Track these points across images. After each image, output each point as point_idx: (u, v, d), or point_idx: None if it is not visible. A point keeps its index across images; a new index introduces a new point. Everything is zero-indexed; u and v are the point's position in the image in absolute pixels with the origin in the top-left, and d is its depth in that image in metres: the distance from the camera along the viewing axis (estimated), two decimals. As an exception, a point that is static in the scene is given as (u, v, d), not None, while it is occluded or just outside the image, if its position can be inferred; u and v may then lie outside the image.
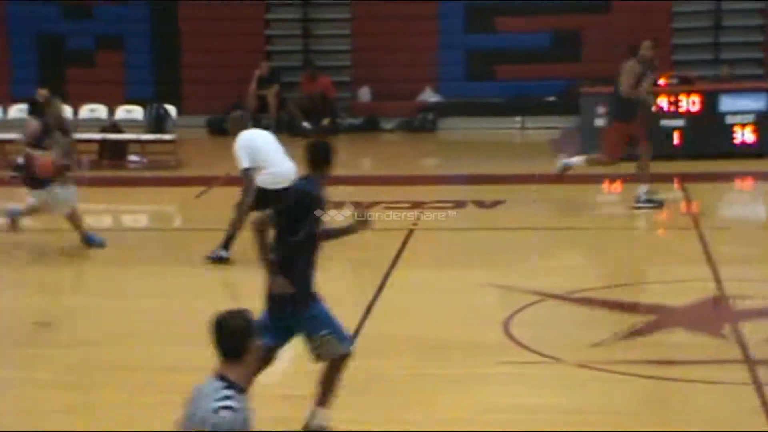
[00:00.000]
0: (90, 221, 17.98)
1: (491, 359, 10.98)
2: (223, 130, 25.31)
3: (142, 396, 10.25)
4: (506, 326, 11.80)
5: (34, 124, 15.48)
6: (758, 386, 9.97)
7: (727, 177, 20.58)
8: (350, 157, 23.57)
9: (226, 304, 12.96)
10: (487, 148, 24.47)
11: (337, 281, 14.30)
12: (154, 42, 26.20)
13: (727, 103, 21.32)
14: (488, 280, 13.54)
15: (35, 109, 20.76)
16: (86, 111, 22.93)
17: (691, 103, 21.36)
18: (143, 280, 14.74)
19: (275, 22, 27.34)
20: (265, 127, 25.27)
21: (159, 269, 15.34)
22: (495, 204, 18.53)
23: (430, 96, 26.21)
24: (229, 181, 20.43)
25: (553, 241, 16.75)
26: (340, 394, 8.92)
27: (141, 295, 14.05)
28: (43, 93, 21.12)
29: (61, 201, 15.17)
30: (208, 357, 10.71)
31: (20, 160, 18.25)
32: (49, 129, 14.87)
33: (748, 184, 20.88)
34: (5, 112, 23.11)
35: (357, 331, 11.76)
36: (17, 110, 22.63)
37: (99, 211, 18.97)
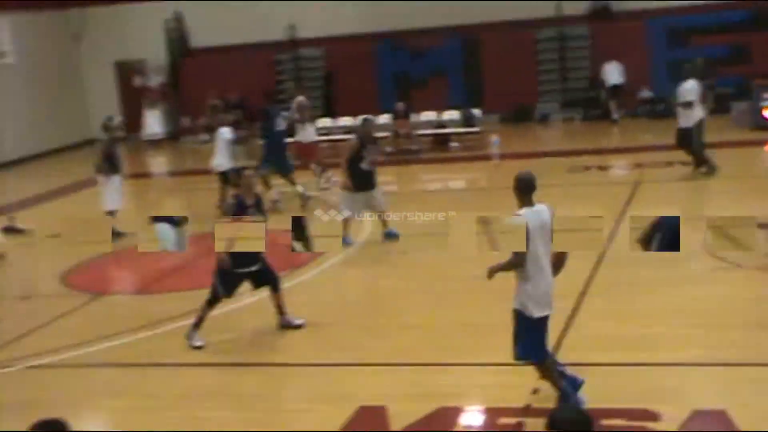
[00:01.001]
0: (432, 185, 18.37)
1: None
2: (509, 121, 25.32)
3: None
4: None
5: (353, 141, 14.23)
6: None
7: None
8: (593, 137, 23.15)
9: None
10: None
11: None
12: (465, 68, 26.09)
13: None
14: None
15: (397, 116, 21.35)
16: (423, 116, 23.26)
17: None
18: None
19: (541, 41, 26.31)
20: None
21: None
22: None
23: (645, 93, 25.15)
24: (515, 155, 20.33)
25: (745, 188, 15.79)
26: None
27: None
28: (399, 105, 21.68)
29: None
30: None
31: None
32: (365, 143, 13.67)
33: None
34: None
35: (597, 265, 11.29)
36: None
37: (434, 180, 19.32)
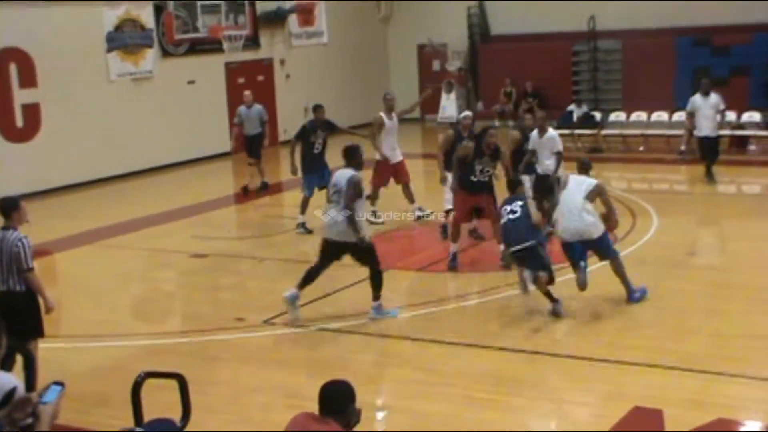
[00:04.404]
0: (725, 188, 17.44)
1: None
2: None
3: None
4: None
5: (515, 134, 14.07)
6: None
7: None
8: None
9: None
10: None
11: None
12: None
13: None
14: None
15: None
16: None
17: None
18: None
19: None
20: None
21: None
22: None
23: None
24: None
25: None
26: None
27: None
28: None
29: None
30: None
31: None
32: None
33: None
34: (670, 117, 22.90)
35: None
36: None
37: (727, 182, 18.30)
